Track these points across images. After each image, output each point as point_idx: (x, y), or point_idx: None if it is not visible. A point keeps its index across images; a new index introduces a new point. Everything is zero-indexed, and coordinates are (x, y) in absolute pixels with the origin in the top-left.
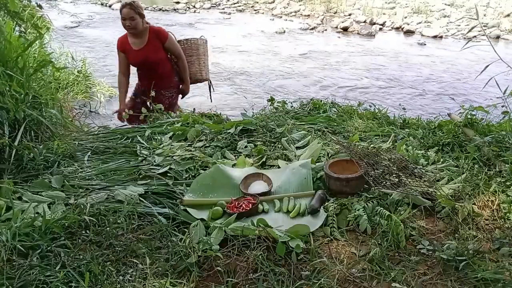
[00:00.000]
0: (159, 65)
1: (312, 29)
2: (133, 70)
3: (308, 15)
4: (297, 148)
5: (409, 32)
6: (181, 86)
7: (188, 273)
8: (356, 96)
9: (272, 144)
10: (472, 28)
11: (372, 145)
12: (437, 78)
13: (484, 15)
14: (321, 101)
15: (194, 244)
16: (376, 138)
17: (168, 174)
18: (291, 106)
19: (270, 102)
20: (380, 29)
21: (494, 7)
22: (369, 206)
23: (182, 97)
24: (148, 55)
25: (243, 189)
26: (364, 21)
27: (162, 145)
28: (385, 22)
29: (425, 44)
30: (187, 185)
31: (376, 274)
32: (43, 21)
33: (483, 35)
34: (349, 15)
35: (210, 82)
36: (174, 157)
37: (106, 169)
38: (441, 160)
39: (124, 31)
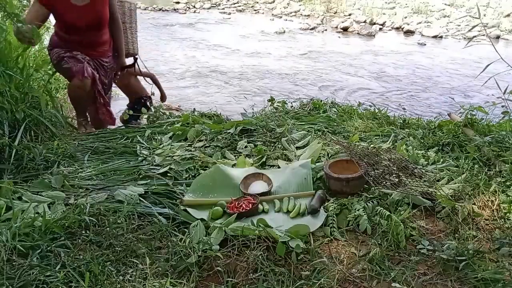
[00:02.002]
0: (106, 26)
1: (312, 29)
2: None
3: (308, 15)
4: (297, 148)
5: (409, 32)
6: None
7: (188, 273)
8: (356, 96)
9: (272, 144)
10: (473, 27)
11: (372, 145)
12: (437, 78)
13: (484, 15)
14: (321, 101)
15: (194, 244)
16: (376, 138)
17: (168, 174)
18: (291, 106)
19: (270, 102)
20: (380, 29)
21: (494, 7)
22: (369, 206)
23: (115, 76)
24: (98, 12)
25: (243, 189)
26: (364, 21)
27: (162, 145)
28: (385, 22)
29: (425, 44)
30: (187, 185)
31: (376, 274)
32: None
33: (483, 35)
34: (349, 15)
35: (136, 59)
36: (174, 157)
37: (106, 169)
38: (441, 160)
39: None
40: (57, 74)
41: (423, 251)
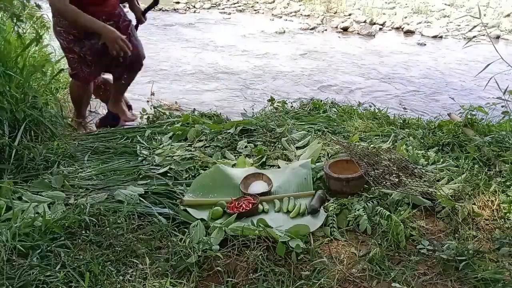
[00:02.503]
0: None
1: (312, 29)
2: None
3: (308, 15)
4: (297, 148)
5: (409, 32)
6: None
7: (188, 273)
8: (355, 96)
9: (272, 144)
10: (474, 27)
11: (372, 145)
12: (437, 78)
13: (484, 15)
14: (321, 101)
15: (194, 244)
16: (376, 138)
17: (168, 174)
18: (291, 106)
19: (270, 102)
20: (380, 29)
21: (494, 7)
22: (369, 206)
23: (140, 23)
24: None
25: (243, 189)
26: (364, 21)
27: (162, 145)
28: (385, 22)
29: (425, 44)
30: (187, 185)
31: (376, 274)
32: (42, 21)
33: (483, 35)
34: (349, 15)
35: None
36: (174, 157)
37: (106, 169)
38: (441, 160)
39: None
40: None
41: (423, 251)
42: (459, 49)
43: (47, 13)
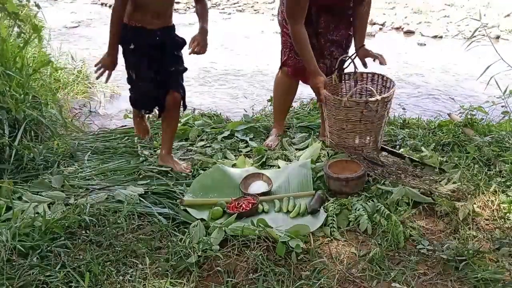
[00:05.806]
0: None
1: None
2: None
3: None
4: (297, 149)
5: (409, 32)
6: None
7: (188, 273)
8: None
9: None
10: (475, 31)
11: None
12: (437, 78)
13: (484, 15)
14: None
15: (194, 244)
16: None
17: (168, 174)
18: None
19: (270, 102)
20: (380, 29)
21: (494, 7)
22: (369, 205)
23: None
24: None
25: (243, 189)
26: None
27: None
28: (385, 22)
29: (425, 44)
30: (187, 185)
31: (376, 274)
32: (39, 21)
33: (483, 35)
34: None
35: None
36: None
37: (106, 169)
38: (441, 160)
39: None
40: (57, 74)
41: (423, 251)
42: (459, 49)
43: (45, 13)
